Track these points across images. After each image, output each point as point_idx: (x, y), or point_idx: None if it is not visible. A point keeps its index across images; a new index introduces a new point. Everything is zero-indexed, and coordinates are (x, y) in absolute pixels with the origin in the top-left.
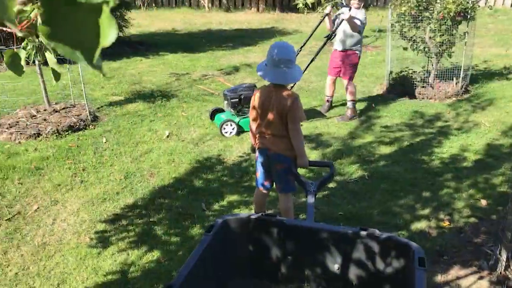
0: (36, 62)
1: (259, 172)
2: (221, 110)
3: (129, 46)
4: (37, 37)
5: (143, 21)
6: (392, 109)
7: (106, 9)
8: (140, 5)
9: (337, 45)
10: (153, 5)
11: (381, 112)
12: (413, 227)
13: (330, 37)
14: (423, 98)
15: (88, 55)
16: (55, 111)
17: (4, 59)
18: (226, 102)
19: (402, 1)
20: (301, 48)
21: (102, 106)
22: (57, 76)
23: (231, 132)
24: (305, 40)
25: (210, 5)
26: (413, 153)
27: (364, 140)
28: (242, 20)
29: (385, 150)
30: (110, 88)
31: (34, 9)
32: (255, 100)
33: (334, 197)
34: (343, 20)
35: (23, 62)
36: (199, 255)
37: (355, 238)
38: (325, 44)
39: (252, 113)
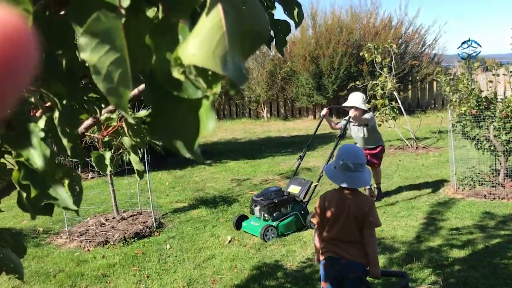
0: (108, 173)
1: (328, 283)
2: (245, 217)
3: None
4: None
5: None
6: (461, 210)
7: (205, 103)
8: None
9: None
10: (215, 117)
11: (448, 214)
12: None
13: (341, 136)
14: (494, 198)
15: (188, 145)
16: (123, 218)
17: (92, 159)
18: (257, 208)
19: (461, 102)
20: (306, 148)
21: (167, 213)
22: (140, 174)
23: (272, 237)
24: (309, 142)
25: (268, 115)
26: (491, 257)
27: (434, 243)
28: (300, 127)
29: (458, 253)
30: (175, 195)
31: (119, 117)
32: (323, 205)
33: None
34: (349, 117)
35: (107, 162)
36: None
37: None
38: (337, 144)
39: (318, 219)
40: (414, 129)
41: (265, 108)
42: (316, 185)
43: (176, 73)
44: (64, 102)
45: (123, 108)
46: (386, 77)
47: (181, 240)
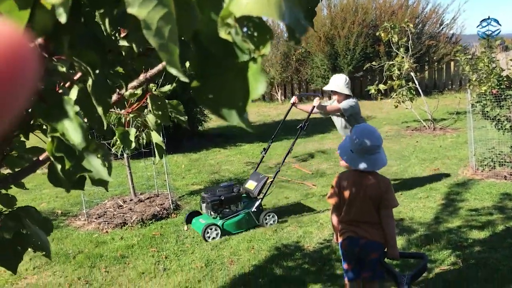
0: (125, 155)
1: (350, 263)
2: (198, 213)
3: (208, 139)
4: (144, 126)
5: None
6: (480, 192)
7: (253, 66)
8: None
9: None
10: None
11: (468, 195)
12: None
13: (302, 127)
14: None
15: (237, 111)
16: (140, 201)
17: (117, 135)
18: (204, 205)
19: (481, 81)
20: (271, 141)
21: (183, 195)
22: (161, 152)
23: (214, 238)
24: (275, 133)
25: (283, 97)
26: (511, 238)
27: (452, 224)
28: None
29: (478, 235)
30: (191, 178)
31: (144, 92)
32: (340, 186)
33: (427, 287)
34: (313, 107)
35: (132, 138)
36: None
37: None
38: (299, 134)
39: (334, 201)
40: (431, 110)
41: (279, 91)
42: (271, 181)
43: (223, 34)
44: (97, 71)
45: (174, 65)
46: (403, 57)
47: None
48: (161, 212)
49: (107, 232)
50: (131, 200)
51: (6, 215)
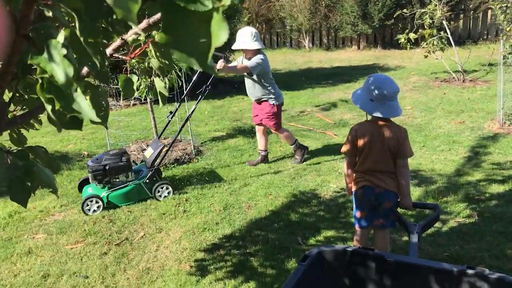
0: (148, 100)
1: (363, 212)
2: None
3: (232, 86)
4: (150, 73)
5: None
6: (505, 146)
7: (216, 15)
8: None
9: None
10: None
11: (492, 149)
12: None
13: (203, 91)
14: None
15: (201, 58)
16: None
17: (119, 83)
18: (90, 174)
19: None
20: (179, 105)
21: (205, 141)
22: (164, 99)
23: (95, 211)
24: (186, 91)
25: (310, 45)
26: None
27: (472, 177)
28: (343, 58)
29: (497, 188)
30: (213, 124)
31: (146, 38)
32: (356, 136)
33: (440, 237)
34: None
35: (134, 86)
36: (293, 284)
37: (461, 277)
38: (201, 98)
39: (350, 151)
40: (463, 61)
41: (307, 38)
42: (167, 150)
43: None
44: (84, 17)
45: (132, 20)
46: (436, 5)
47: (219, 167)
48: (183, 157)
49: None
50: None
51: (15, 153)
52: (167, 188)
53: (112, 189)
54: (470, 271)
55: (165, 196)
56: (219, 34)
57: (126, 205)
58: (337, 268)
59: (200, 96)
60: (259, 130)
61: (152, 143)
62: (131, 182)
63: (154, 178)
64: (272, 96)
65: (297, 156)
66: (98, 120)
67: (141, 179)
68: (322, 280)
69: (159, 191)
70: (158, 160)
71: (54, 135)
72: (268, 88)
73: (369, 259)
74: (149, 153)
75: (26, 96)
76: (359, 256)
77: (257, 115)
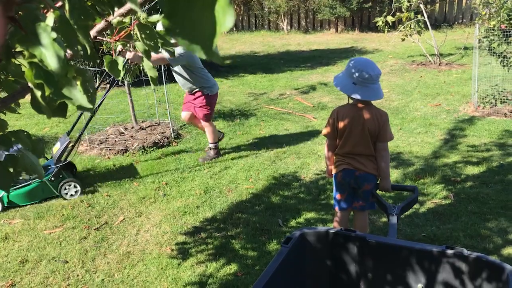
0: (126, 83)
1: (343, 194)
2: None
3: (211, 68)
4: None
5: (224, 44)
6: (479, 128)
7: (221, 0)
8: None
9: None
10: (234, 29)
11: (467, 131)
12: (505, 252)
13: (112, 83)
14: None
15: (205, 45)
16: (142, 128)
17: (105, 64)
18: None
19: (491, 15)
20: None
21: (184, 124)
22: (154, 80)
23: None
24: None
25: (288, 27)
26: (504, 174)
27: (449, 159)
28: (321, 41)
29: (473, 170)
30: None
31: (131, 20)
32: (337, 119)
33: (417, 218)
34: (127, 59)
35: (120, 67)
36: (277, 266)
37: (441, 257)
38: (111, 87)
39: (331, 134)
40: (439, 44)
41: (285, 20)
42: (73, 146)
43: None
44: None
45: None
46: None
47: (199, 150)
48: (162, 140)
49: (109, 158)
50: (132, 127)
51: None
52: (75, 187)
53: (14, 187)
54: (449, 251)
55: (71, 195)
56: (224, 19)
57: (30, 204)
58: (320, 249)
59: (107, 91)
60: (184, 115)
61: (60, 138)
62: (35, 180)
63: (61, 176)
64: (204, 85)
65: (209, 155)
66: (89, 106)
67: (46, 176)
68: (305, 262)
69: (65, 189)
70: (64, 156)
71: (29, 118)
72: (199, 79)
73: (351, 240)
74: (56, 148)
75: (3, 78)
76: (341, 238)
77: (187, 103)
